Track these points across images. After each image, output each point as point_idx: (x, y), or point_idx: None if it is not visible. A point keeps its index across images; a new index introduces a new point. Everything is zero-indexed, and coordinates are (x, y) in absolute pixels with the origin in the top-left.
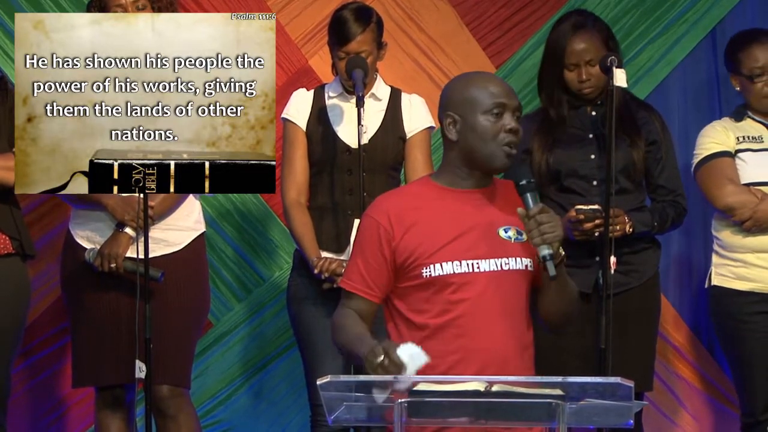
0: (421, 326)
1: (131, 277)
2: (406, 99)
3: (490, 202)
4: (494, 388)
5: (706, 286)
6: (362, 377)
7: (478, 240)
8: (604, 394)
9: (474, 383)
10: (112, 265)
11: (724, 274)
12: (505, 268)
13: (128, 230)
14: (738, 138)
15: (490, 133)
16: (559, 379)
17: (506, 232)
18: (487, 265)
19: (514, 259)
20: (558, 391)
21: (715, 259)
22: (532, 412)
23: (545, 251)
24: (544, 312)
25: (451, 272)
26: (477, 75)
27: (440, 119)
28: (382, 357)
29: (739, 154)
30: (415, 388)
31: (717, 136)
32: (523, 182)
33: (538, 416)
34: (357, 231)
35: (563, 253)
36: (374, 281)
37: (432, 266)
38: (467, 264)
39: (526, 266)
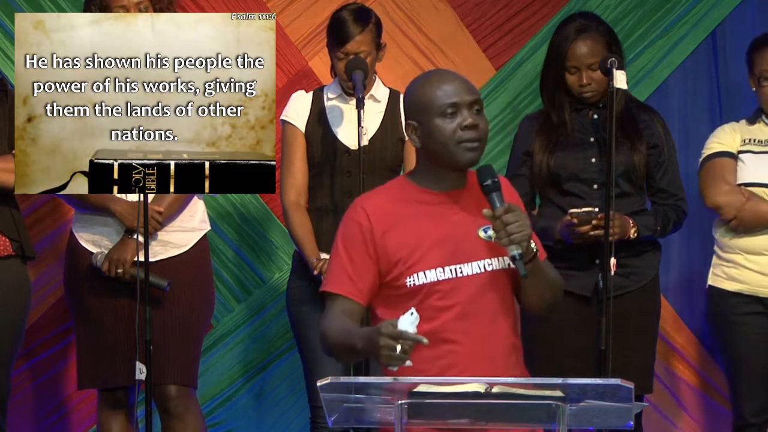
0: None
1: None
2: None
3: (467, 202)
4: (494, 390)
5: (706, 286)
6: (362, 379)
7: (459, 243)
8: (604, 395)
9: (474, 384)
10: (119, 271)
11: (718, 275)
12: (489, 269)
13: (138, 236)
14: (744, 140)
15: (448, 135)
16: (559, 380)
17: (485, 232)
18: (470, 269)
19: (496, 259)
20: (558, 393)
21: (713, 259)
22: (533, 413)
23: (514, 251)
24: (525, 302)
25: (435, 279)
26: (429, 76)
27: (404, 128)
28: (399, 347)
29: (741, 156)
30: (415, 390)
31: (722, 137)
32: (488, 182)
33: (539, 418)
34: (337, 235)
35: (535, 248)
36: (362, 283)
37: (416, 275)
38: (450, 270)
39: (509, 264)
